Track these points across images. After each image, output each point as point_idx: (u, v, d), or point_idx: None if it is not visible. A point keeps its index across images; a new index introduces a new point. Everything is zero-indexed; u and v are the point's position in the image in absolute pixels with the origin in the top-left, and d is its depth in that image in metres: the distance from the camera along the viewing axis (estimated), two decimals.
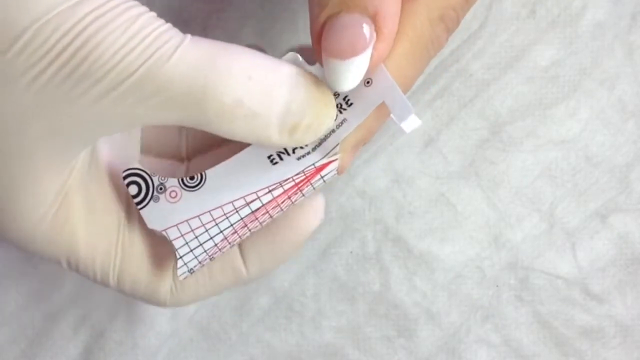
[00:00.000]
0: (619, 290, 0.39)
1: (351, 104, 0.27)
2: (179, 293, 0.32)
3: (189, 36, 0.26)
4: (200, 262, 0.30)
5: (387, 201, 0.40)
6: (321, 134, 0.27)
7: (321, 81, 0.27)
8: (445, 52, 0.40)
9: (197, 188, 0.29)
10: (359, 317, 0.40)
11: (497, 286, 0.40)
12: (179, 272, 0.30)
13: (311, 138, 0.27)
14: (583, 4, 0.39)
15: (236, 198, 0.29)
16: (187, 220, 0.29)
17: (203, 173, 0.29)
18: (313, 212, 0.32)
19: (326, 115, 0.27)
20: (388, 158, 0.40)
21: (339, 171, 0.29)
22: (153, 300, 0.32)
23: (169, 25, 0.26)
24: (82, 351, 0.41)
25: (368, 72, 0.26)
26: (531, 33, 0.39)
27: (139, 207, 0.30)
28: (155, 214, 0.29)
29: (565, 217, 0.39)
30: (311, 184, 0.29)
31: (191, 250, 0.30)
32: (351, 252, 0.40)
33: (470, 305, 0.40)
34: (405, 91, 0.28)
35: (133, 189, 0.30)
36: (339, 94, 0.28)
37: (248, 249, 0.32)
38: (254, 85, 0.25)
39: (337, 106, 0.28)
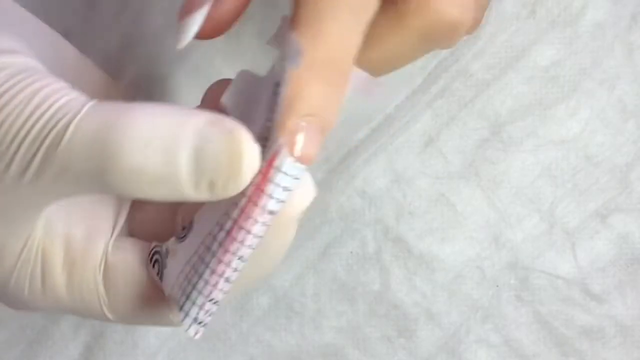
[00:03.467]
0: (619, 290, 0.39)
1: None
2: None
3: (88, 104, 0.25)
4: (200, 307, 0.27)
5: (387, 201, 0.40)
6: (246, 182, 0.25)
7: (237, 125, 0.25)
8: (445, 52, 0.40)
9: (187, 236, 0.28)
10: (359, 317, 0.40)
11: (497, 286, 0.40)
12: (189, 331, 0.28)
13: (236, 190, 0.25)
14: (583, 4, 0.39)
15: (213, 225, 0.27)
16: (181, 271, 0.28)
17: (192, 219, 0.28)
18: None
19: (245, 165, 0.25)
20: (388, 158, 0.40)
21: (304, 159, 0.26)
22: (163, 323, 0.31)
23: (68, 94, 0.26)
24: (82, 351, 0.41)
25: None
26: (531, 33, 0.39)
27: (161, 283, 0.28)
28: (167, 281, 0.28)
29: (565, 217, 0.39)
30: (271, 180, 0.26)
31: (188, 298, 0.27)
32: (351, 252, 0.40)
33: (470, 305, 0.40)
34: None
35: (154, 270, 0.29)
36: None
37: None
38: (153, 151, 0.24)
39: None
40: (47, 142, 0.25)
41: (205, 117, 0.25)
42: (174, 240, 0.29)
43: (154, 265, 0.29)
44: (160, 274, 0.29)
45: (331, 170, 0.40)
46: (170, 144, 0.24)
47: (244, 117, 0.26)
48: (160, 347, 0.41)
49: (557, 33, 0.39)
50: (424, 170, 0.40)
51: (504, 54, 0.39)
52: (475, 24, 0.30)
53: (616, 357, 0.39)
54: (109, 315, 0.30)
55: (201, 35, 0.29)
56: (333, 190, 0.40)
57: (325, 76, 0.25)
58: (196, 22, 0.28)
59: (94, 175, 0.25)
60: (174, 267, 0.28)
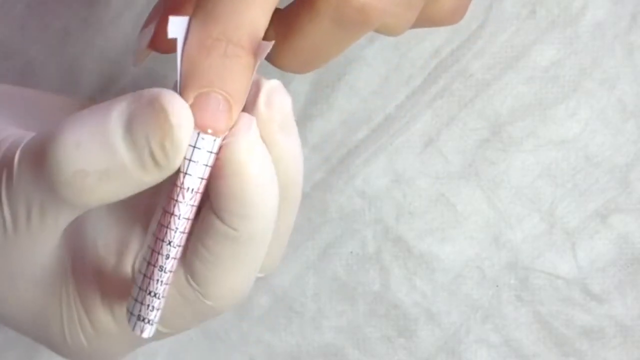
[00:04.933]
0: (619, 290, 0.39)
1: None
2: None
3: (26, 137, 0.26)
4: (141, 303, 0.26)
5: (387, 201, 0.40)
6: (181, 140, 0.24)
7: (158, 90, 0.25)
8: (445, 52, 0.40)
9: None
10: (359, 317, 0.40)
11: (497, 286, 0.40)
12: (135, 329, 0.26)
13: (179, 154, 0.24)
14: (583, 4, 0.39)
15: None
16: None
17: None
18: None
19: (174, 119, 0.24)
20: (388, 158, 0.40)
21: (213, 131, 0.25)
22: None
23: (10, 136, 0.26)
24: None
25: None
26: (531, 33, 0.39)
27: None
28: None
29: (565, 217, 0.39)
30: (185, 158, 0.25)
31: (132, 298, 0.27)
32: (351, 252, 0.40)
33: (470, 305, 0.40)
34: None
35: None
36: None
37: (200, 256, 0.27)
38: (86, 148, 0.24)
39: None
40: (4, 177, 0.25)
41: (126, 98, 0.25)
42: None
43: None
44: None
45: (331, 170, 0.40)
46: (100, 134, 0.24)
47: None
48: (160, 347, 0.41)
49: (557, 33, 0.39)
50: (424, 170, 0.40)
51: (504, 54, 0.39)
52: (403, 18, 0.29)
53: (616, 357, 0.39)
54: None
55: (154, 48, 0.29)
56: (333, 190, 0.40)
57: (219, 48, 0.25)
58: (146, 37, 0.29)
59: (52, 200, 0.25)
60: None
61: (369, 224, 0.40)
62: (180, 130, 0.24)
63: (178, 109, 0.24)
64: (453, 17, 0.31)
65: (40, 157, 0.25)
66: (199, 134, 0.25)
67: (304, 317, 0.40)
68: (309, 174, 0.40)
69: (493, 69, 0.39)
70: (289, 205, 0.28)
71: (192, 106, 0.24)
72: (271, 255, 0.29)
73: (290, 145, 0.27)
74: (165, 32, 0.25)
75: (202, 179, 0.25)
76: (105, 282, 0.29)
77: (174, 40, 0.26)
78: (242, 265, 0.27)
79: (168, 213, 0.25)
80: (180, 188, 0.25)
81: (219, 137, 0.25)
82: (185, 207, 0.25)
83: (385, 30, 0.29)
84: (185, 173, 0.25)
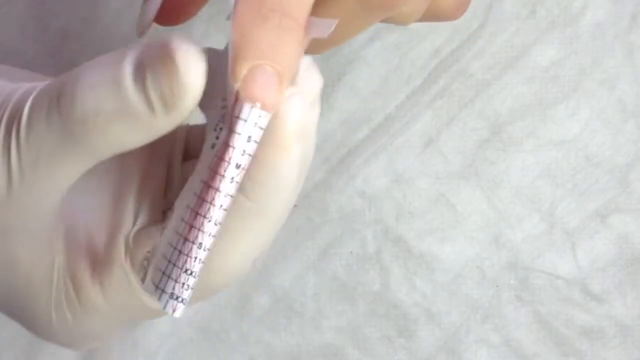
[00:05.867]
0: (619, 290, 0.39)
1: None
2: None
3: (39, 87, 0.26)
4: (175, 280, 0.25)
5: (387, 201, 0.40)
6: (192, 84, 0.24)
7: (172, 36, 0.24)
8: (445, 52, 0.40)
9: (167, 225, 0.27)
10: (359, 317, 0.40)
11: (497, 286, 0.40)
12: (167, 308, 0.26)
13: (187, 97, 0.24)
14: (583, 4, 0.39)
15: (190, 198, 0.26)
16: (160, 254, 0.26)
17: (173, 205, 0.27)
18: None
19: (181, 61, 0.24)
20: (388, 158, 0.40)
21: (263, 105, 0.24)
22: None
23: (22, 87, 0.26)
24: (82, 351, 0.41)
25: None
26: (531, 33, 0.39)
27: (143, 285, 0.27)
28: (150, 276, 0.27)
29: (565, 217, 0.39)
30: (233, 130, 0.24)
31: (163, 274, 0.26)
32: (351, 252, 0.40)
33: (470, 305, 0.40)
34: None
35: (139, 277, 0.28)
36: None
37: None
38: (100, 90, 0.24)
39: None
40: (15, 122, 0.25)
41: (142, 44, 0.25)
42: (159, 235, 0.28)
43: (139, 273, 0.28)
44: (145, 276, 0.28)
45: (331, 170, 0.40)
46: (114, 76, 0.24)
47: (209, 93, 0.25)
48: (160, 347, 0.41)
49: (557, 33, 0.39)
50: (424, 170, 0.40)
51: (504, 54, 0.39)
52: (427, 11, 0.29)
53: (616, 357, 0.39)
54: (155, 305, 0.28)
55: (159, 21, 0.29)
56: (333, 190, 0.40)
57: (274, 19, 0.24)
58: (152, 9, 0.29)
59: (61, 141, 0.25)
60: (158, 258, 0.27)
61: (369, 224, 0.40)
62: (187, 72, 0.24)
63: (186, 52, 0.24)
64: (456, 12, 0.31)
65: (53, 100, 0.25)
66: (251, 107, 0.24)
67: (304, 317, 0.40)
68: (309, 174, 0.40)
69: (493, 69, 0.39)
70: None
71: (244, 78, 0.24)
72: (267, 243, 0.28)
73: (315, 123, 0.26)
74: (172, 5, 0.25)
75: (249, 155, 0.24)
76: (96, 257, 0.29)
77: (179, 13, 0.25)
78: (252, 239, 0.27)
79: (212, 188, 0.24)
80: (228, 163, 0.24)
81: (268, 112, 0.24)
82: (230, 184, 0.25)
83: (398, 19, 0.29)
84: (233, 147, 0.24)
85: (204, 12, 0.35)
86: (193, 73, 0.24)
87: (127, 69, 0.24)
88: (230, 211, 0.25)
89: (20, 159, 0.25)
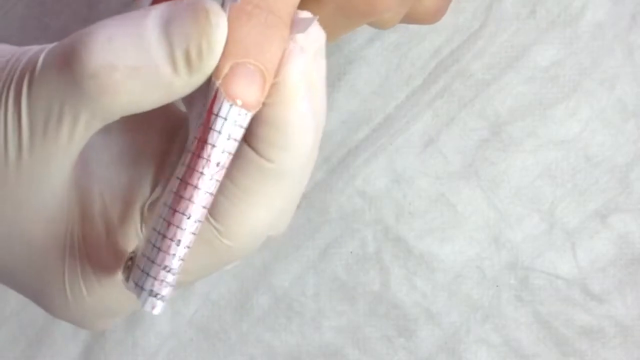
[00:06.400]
0: (619, 290, 0.39)
1: None
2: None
3: (54, 43, 0.25)
4: (154, 278, 0.25)
5: (387, 201, 0.40)
6: (220, 41, 0.23)
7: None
8: (445, 52, 0.40)
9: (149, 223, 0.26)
10: (359, 317, 0.40)
11: (497, 286, 0.40)
12: (145, 306, 0.25)
13: (214, 56, 0.23)
14: (583, 4, 0.39)
15: (167, 195, 0.25)
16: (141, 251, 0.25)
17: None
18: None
19: (214, 20, 0.23)
20: (388, 158, 0.40)
21: (244, 103, 0.24)
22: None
23: (32, 48, 0.26)
24: (82, 351, 0.41)
25: None
26: (531, 33, 0.39)
27: (127, 284, 0.26)
28: (133, 275, 0.26)
29: (565, 217, 0.39)
30: (212, 128, 0.24)
31: (142, 271, 0.25)
32: (351, 252, 0.40)
33: (470, 305, 0.40)
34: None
35: (124, 276, 0.27)
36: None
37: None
38: (118, 43, 0.23)
39: None
40: (26, 80, 0.24)
41: (166, 3, 0.24)
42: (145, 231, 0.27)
43: (123, 271, 0.27)
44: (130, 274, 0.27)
45: (331, 170, 0.40)
46: (136, 29, 0.24)
47: (193, 91, 0.25)
48: (160, 347, 0.41)
49: (557, 33, 0.39)
50: (424, 170, 0.40)
51: (504, 54, 0.39)
52: (397, 15, 0.29)
53: (616, 357, 0.39)
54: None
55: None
56: (333, 190, 0.40)
57: (259, 17, 0.24)
58: None
59: (74, 97, 0.24)
60: (141, 257, 0.26)
61: (369, 224, 0.40)
62: (218, 30, 0.23)
63: (218, 9, 0.23)
64: (434, 16, 0.32)
65: (67, 54, 0.24)
66: (231, 105, 0.24)
67: (304, 317, 0.40)
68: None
69: (493, 69, 0.39)
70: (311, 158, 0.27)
71: (226, 75, 0.24)
72: (284, 212, 0.27)
73: (322, 74, 0.26)
74: None
75: (229, 153, 0.24)
76: (111, 227, 0.28)
77: None
78: (270, 202, 0.26)
79: (190, 185, 0.24)
80: (207, 160, 0.24)
81: (249, 111, 0.24)
82: (210, 182, 0.24)
83: (379, 23, 0.29)
84: (213, 145, 0.24)
85: None
86: (222, 31, 0.23)
87: (154, 24, 0.24)
88: (246, 172, 0.25)
89: (31, 117, 0.24)
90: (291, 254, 0.40)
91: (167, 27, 0.23)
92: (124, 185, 0.28)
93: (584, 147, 0.39)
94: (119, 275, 0.27)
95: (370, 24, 0.29)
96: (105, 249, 0.27)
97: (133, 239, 0.27)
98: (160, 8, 0.24)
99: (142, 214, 0.28)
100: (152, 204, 0.28)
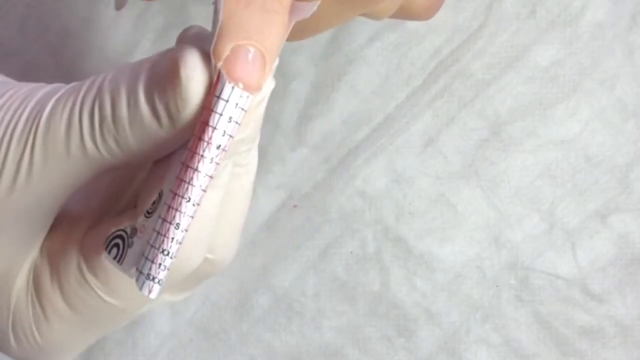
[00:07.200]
0: (619, 290, 0.39)
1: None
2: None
3: (61, 89, 0.26)
4: (152, 261, 0.25)
5: (387, 201, 0.40)
6: (193, 92, 0.24)
7: (180, 46, 0.25)
8: (445, 52, 0.40)
9: (155, 210, 0.26)
10: (359, 317, 0.40)
11: (497, 286, 0.40)
12: (143, 289, 0.25)
13: (189, 107, 0.24)
14: (583, 4, 0.39)
15: (172, 183, 0.26)
16: (147, 242, 0.26)
17: (161, 191, 0.27)
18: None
19: (184, 72, 0.24)
20: (388, 158, 0.40)
21: (246, 85, 0.24)
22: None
23: (44, 87, 0.27)
24: (82, 351, 0.41)
25: None
26: (531, 33, 0.39)
27: (120, 264, 0.27)
28: (130, 259, 0.26)
29: (565, 217, 0.39)
30: (213, 110, 0.24)
31: (143, 256, 0.25)
32: (351, 252, 0.40)
33: (470, 305, 0.40)
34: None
35: (113, 252, 0.27)
36: None
37: None
38: (119, 97, 0.25)
39: None
40: (34, 128, 0.26)
41: (157, 55, 0.25)
42: (142, 217, 0.27)
43: (110, 250, 0.27)
44: (122, 255, 0.27)
45: (331, 170, 0.40)
46: (129, 86, 0.25)
47: None
48: (160, 347, 0.41)
49: (557, 33, 0.39)
50: (424, 170, 0.40)
51: (504, 54, 0.39)
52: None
53: (616, 357, 0.39)
54: (113, 301, 0.28)
55: None
56: (333, 190, 0.40)
57: (258, 1, 0.24)
58: None
59: (76, 142, 0.25)
60: (142, 243, 0.26)
61: (369, 224, 0.40)
62: (189, 83, 0.24)
63: (191, 62, 0.24)
64: (427, 12, 0.32)
65: (76, 104, 0.25)
66: (233, 87, 0.24)
67: (304, 317, 0.40)
68: (309, 174, 0.40)
69: (493, 69, 0.39)
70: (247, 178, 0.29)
71: (227, 58, 0.24)
72: (225, 239, 0.28)
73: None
74: None
75: (230, 136, 0.24)
76: (54, 258, 0.29)
77: None
78: (241, 207, 0.28)
79: (191, 168, 0.24)
80: (208, 143, 0.24)
81: (250, 93, 0.24)
82: (210, 165, 0.24)
83: (372, 14, 0.30)
84: (214, 127, 0.24)
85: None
86: (195, 83, 0.24)
87: (141, 80, 0.25)
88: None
89: (33, 157, 0.26)
90: (291, 254, 0.40)
91: (151, 81, 0.25)
92: (62, 212, 0.29)
93: (584, 147, 0.39)
94: (103, 254, 0.28)
95: (365, 15, 0.29)
96: (49, 281, 0.29)
97: (73, 266, 0.28)
98: (152, 60, 0.25)
99: (80, 241, 0.29)
100: (90, 232, 0.29)
